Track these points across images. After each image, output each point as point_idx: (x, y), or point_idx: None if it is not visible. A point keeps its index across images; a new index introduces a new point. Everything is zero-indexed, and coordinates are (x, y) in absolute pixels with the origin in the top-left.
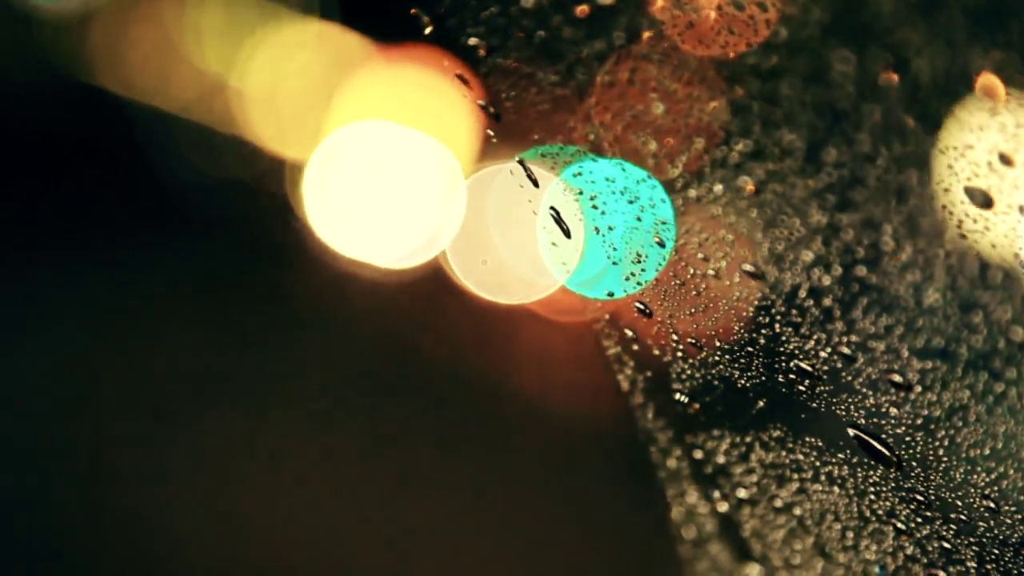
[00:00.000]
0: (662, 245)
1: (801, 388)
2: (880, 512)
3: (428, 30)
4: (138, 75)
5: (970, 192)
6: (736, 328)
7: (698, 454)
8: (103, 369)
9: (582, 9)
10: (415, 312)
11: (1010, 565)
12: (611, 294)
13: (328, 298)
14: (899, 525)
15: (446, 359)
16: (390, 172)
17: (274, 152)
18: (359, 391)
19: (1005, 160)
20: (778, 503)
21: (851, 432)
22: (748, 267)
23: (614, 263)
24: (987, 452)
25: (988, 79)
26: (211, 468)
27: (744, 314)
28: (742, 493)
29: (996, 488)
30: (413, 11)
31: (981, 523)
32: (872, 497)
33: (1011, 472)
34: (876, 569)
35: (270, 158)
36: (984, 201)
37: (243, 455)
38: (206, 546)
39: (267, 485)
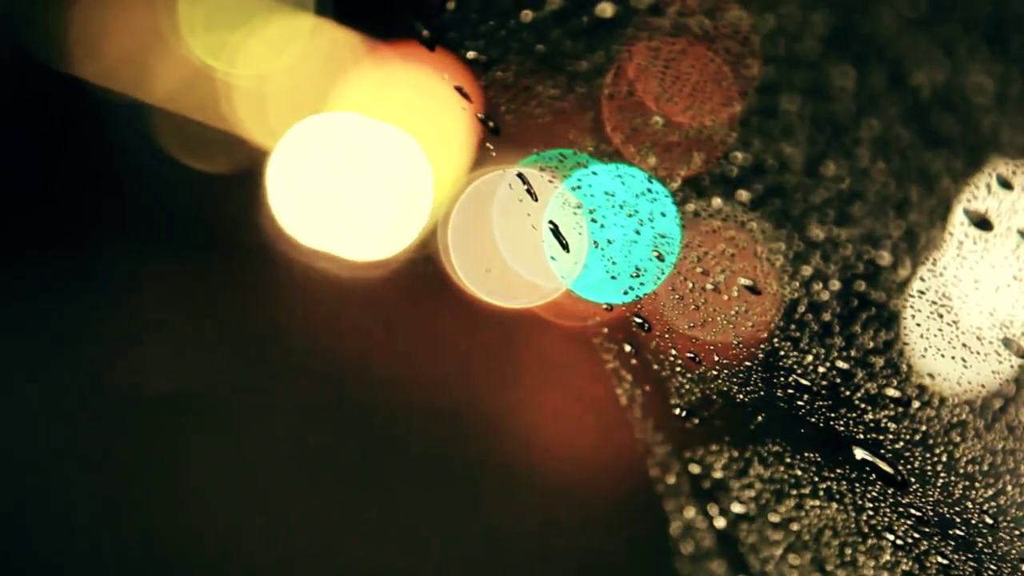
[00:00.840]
0: (661, 259)
1: (800, 403)
2: (878, 527)
3: (427, 42)
4: (121, 65)
5: (969, 214)
6: (735, 343)
7: (696, 469)
8: (71, 368)
9: (582, 22)
10: (412, 316)
11: None
12: (610, 308)
13: (320, 299)
14: (897, 541)
15: (443, 362)
16: (357, 163)
17: (261, 147)
18: (353, 399)
19: (1004, 183)
20: (776, 518)
21: (858, 453)
22: (747, 281)
23: (613, 277)
24: (985, 468)
25: None
26: (184, 473)
27: (743, 329)
28: (740, 508)
29: (994, 504)
30: (413, 24)
31: (979, 539)
32: (870, 513)
33: (1009, 488)
34: None
35: (256, 153)
36: (982, 223)
37: (214, 464)
38: (182, 547)
39: (243, 497)
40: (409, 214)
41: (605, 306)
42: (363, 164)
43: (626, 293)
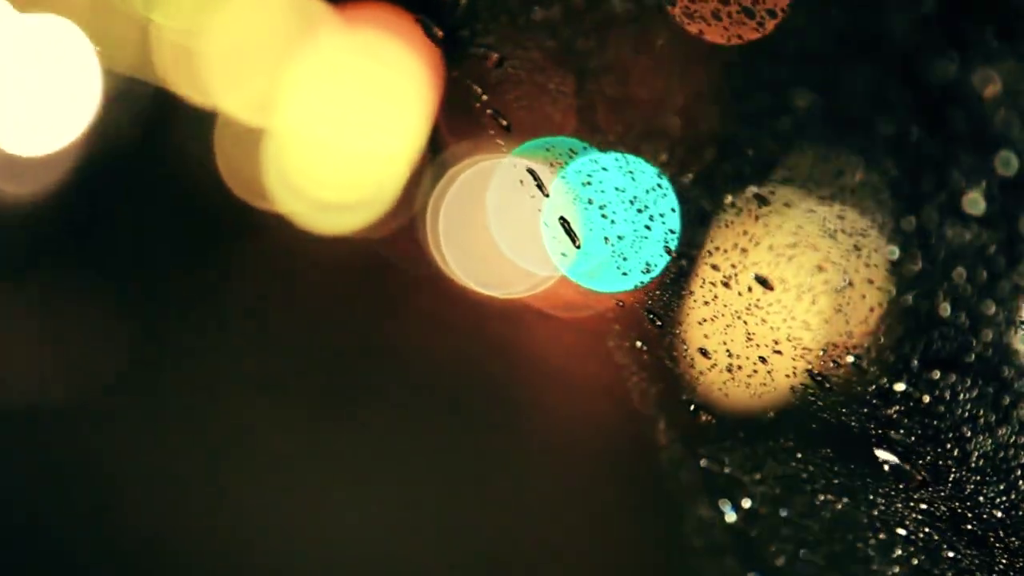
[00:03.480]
0: (672, 255)
1: (812, 398)
2: (890, 523)
3: (439, 38)
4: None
5: (979, 210)
6: (747, 337)
7: (708, 464)
8: None
9: (593, 20)
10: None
11: (1018, 575)
12: (622, 304)
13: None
14: (909, 536)
15: (436, 357)
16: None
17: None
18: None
19: (1013, 177)
20: (788, 513)
21: (878, 454)
22: (758, 276)
23: (624, 273)
24: (997, 463)
25: None
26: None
27: (754, 323)
28: (752, 503)
29: (1006, 499)
30: (425, 21)
31: (990, 534)
32: (882, 508)
33: (1021, 483)
34: None
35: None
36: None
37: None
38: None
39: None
40: (72, 109)
41: (618, 302)
42: (18, 56)
43: (636, 287)
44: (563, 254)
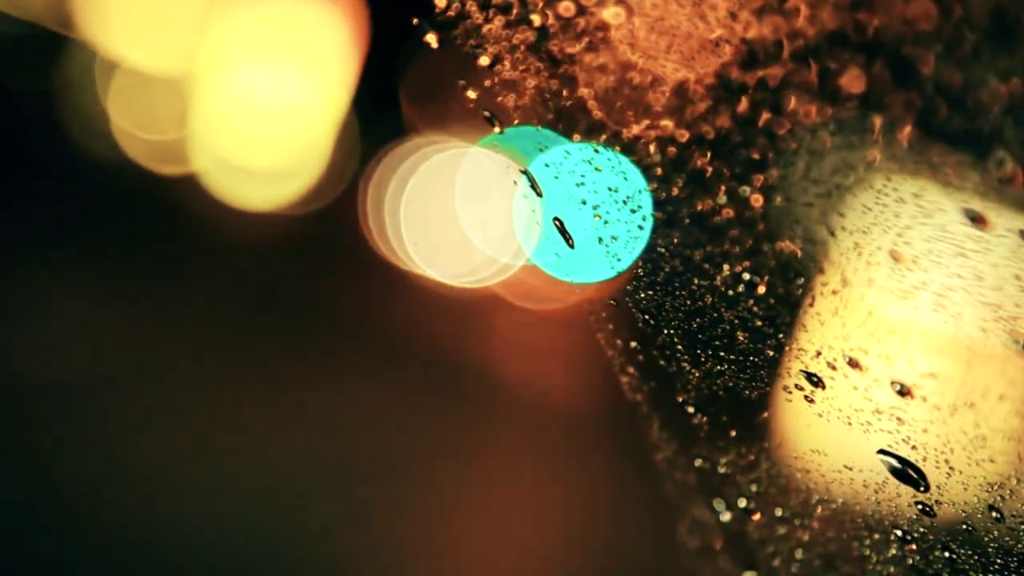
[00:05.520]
0: (665, 254)
1: (807, 399)
2: (884, 522)
3: (431, 39)
4: None
5: (969, 213)
6: (741, 338)
7: (703, 464)
8: None
9: (586, 22)
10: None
11: (1014, 575)
12: (616, 303)
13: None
14: (903, 535)
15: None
16: None
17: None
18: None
19: (1006, 180)
20: (783, 513)
21: (874, 453)
22: (752, 277)
23: (618, 274)
24: (991, 462)
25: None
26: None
27: (748, 324)
28: (747, 503)
29: (1000, 498)
30: (415, 20)
31: (985, 534)
32: (877, 507)
33: (1015, 482)
34: None
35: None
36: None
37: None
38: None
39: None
40: None
41: (611, 300)
42: None
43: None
44: (556, 254)
